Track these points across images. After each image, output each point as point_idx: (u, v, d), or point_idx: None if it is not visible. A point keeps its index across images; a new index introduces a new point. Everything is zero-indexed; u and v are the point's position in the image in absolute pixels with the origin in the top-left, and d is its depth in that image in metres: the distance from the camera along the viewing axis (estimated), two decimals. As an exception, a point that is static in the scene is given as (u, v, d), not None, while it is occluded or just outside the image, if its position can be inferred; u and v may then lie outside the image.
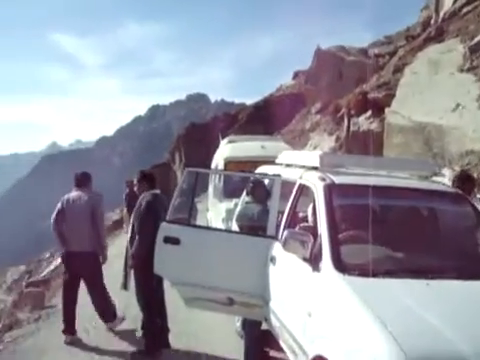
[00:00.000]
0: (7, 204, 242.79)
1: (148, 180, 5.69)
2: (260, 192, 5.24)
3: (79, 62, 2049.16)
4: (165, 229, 4.78)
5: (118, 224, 22.22)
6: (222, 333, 6.30)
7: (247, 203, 5.33)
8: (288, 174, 4.93)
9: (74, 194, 6.41)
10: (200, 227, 5.19)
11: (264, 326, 4.97)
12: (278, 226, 4.55)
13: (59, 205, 6.32)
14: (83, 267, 6.30)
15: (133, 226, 5.57)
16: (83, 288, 6.53)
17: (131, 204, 11.74)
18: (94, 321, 6.79)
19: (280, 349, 4.68)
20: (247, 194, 5.40)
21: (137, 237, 5.35)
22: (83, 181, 6.54)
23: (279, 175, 4.86)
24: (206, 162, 10.95)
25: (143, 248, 5.23)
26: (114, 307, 6.67)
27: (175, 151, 44.26)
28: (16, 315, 8.57)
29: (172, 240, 4.69)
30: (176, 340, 5.81)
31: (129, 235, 5.70)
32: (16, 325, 7.84)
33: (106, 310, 6.51)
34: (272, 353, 5.24)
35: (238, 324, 5.93)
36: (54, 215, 6.31)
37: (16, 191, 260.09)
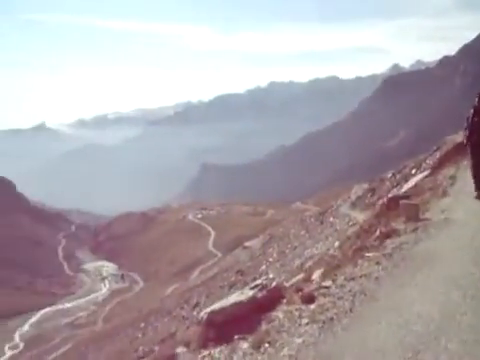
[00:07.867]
0: (351, 125, 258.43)
1: None
2: None
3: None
4: None
5: (461, 147, 20.46)
6: None
7: None
8: None
9: None
10: None
11: None
12: None
13: None
14: None
15: None
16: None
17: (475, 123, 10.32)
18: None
19: None
20: None
21: None
22: None
23: None
24: None
25: None
26: None
27: None
28: (391, 225, 8.67)
29: None
30: None
31: None
32: (394, 234, 8.11)
33: None
34: None
35: None
36: None
37: (360, 113, 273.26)
